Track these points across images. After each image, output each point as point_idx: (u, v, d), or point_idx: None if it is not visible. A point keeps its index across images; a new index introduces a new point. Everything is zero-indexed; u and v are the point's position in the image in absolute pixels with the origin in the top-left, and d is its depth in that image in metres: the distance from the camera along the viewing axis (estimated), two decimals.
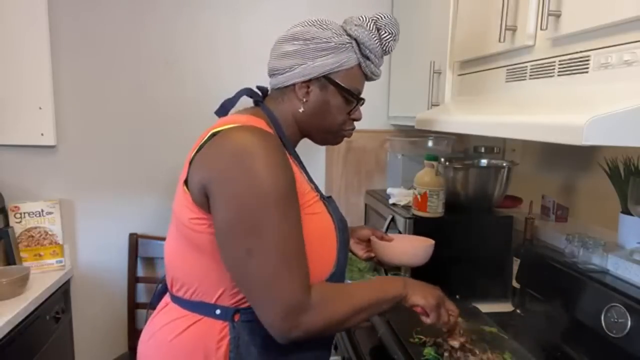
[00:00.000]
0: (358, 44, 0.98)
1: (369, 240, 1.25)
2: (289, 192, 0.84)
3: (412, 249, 1.23)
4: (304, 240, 0.86)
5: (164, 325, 0.94)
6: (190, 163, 0.89)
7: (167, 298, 1.00)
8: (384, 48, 1.01)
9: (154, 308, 1.04)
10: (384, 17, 1.00)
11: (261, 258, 0.81)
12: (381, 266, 1.34)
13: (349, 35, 0.97)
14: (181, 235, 0.93)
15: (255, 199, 0.80)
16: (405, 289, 0.95)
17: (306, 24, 0.98)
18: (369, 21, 0.98)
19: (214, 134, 0.87)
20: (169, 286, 0.98)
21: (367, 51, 0.98)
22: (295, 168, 0.92)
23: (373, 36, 0.97)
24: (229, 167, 0.82)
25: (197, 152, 0.88)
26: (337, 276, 0.96)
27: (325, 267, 0.94)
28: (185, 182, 0.90)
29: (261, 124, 0.93)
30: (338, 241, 0.96)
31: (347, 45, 0.96)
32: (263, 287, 0.81)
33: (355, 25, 0.98)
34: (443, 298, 1.00)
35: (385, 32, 0.99)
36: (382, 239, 1.23)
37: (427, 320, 0.98)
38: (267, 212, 0.81)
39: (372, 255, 1.24)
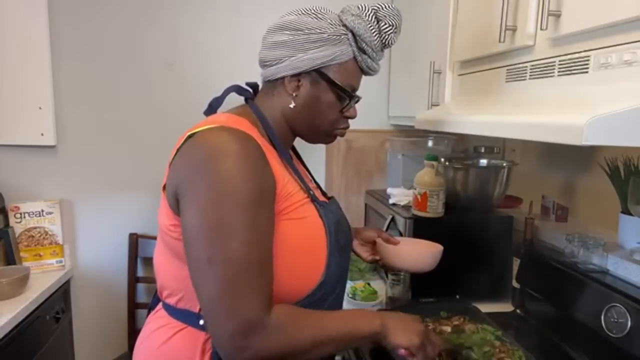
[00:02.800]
0: (354, 35, 0.91)
1: (374, 242, 1.21)
2: (259, 199, 0.78)
3: (420, 255, 1.18)
4: (271, 252, 0.80)
5: (153, 331, 0.92)
6: (170, 166, 0.86)
7: (159, 304, 0.97)
8: (384, 41, 0.94)
9: (152, 309, 1.02)
10: (385, 7, 0.93)
11: (220, 267, 0.74)
12: (385, 269, 1.30)
13: (344, 25, 0.91)
14: (163, 241, 0.90)
15: (220, 205, 0.75)
16: (382, 327, 0.85)
17: (300, 12, 0.92)
18: (368, 11, 0.91)
19: (190, 136, 0.83)
20: (159, 292, 0.96)
21: (364, 44, 0.91)
22: (281, 170, 0.86)
23: (371, 28, 0.91)
24: (197, 170, 0.77)
25: (175, 154, 0.85)
26: (327, 285, 0.90)
27: (312, 276, 0.88)
28: (165, 186, 0.86)
29: (241, 123, 0.87)
30: (329, 247, 0.90)
31: (342, 37, 0.90)
32: (217, 300, 0.75)
33: (353, 15, 0.91)
34: (426, 332, 0.90)
35: (386, 24, 0.92)
36: (387, 241, 1.19)
37: None
38: (232, 219, 0.75)
39: (377, 258, 1.21)
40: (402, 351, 0.87)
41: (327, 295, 0.92)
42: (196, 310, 0.87)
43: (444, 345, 1.00)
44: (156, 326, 0.92)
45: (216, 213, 0.75)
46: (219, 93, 0.99)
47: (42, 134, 1.87)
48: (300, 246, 0.87)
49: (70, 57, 1.90)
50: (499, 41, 1.10)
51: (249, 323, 0.74)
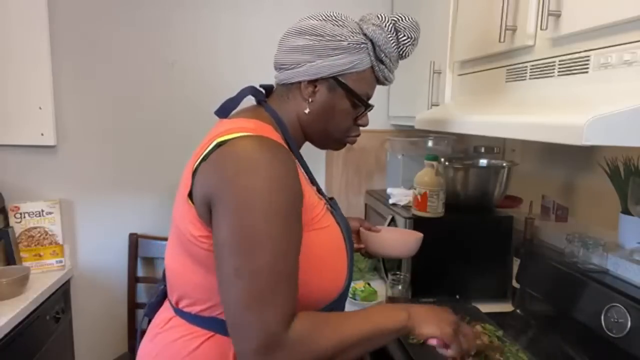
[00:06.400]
0: (373, 45, 0.91)
1: (357, 232, 1.23)
2: (291, 211, 0.77)
3: (402, 240, 1.23)
4: (297, 265, 0.78)
5: (172, 342, 0.87)
6: (194, 173, 0.81)
7: (167, 313, 0.93)
8: (401, 53, 0.95)
9: (149, 317, 0.98)
10: (405, 18, 0.93)
11: (246, 280, 0.73)
12: (370, 257, 1.34)
13: (364, 34, 0.91)
14: (186, 251, 0.86)
15: (251, 216, 0.74)
16: (410, 320, 0.83)
17: (321, 17, 0.91)
18: (388, 21, 0.92)
19: (219, 144, 0.79)
20: (173, 301, 0.91)
21: (383, 54, 0.92)
22: (303, 179, 0.85)
23: (390, 38, 0.91)
24: (232, 181, 0.75)
25: (201, 161, 0.80)
26: (345, 292, 0.92)
27: (337, 283, 0.88)
28: (190, 195, 0.82)
29: (269, 130, 0.85)
30: (348, 252, 0.90)
31: (362, 46, 0.90)
32: (242, 313, 0.73)
33: (373, 24, 0.91)
34: (457, 322, 0.87)
35: (404, 36, 0.93)
36: (370, 230, 1.22)
37: (448, 353, 0.85)
38: (263, 231, 0.73)
39: (361, 246, 1.23)
40: (433, 341, 0.83)
41: (343, 299, 0.93)
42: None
43: (477, 337, 0.99)
44: (175, 337, 0.87)
45: (247, 224, 0.74)
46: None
47: (42, 134, 1.87)
48: (327, 255, 0.87)
49: (70, 57, 1.90)
50: (499, 41, 1.10)
51: (272, 339, 0.72)
